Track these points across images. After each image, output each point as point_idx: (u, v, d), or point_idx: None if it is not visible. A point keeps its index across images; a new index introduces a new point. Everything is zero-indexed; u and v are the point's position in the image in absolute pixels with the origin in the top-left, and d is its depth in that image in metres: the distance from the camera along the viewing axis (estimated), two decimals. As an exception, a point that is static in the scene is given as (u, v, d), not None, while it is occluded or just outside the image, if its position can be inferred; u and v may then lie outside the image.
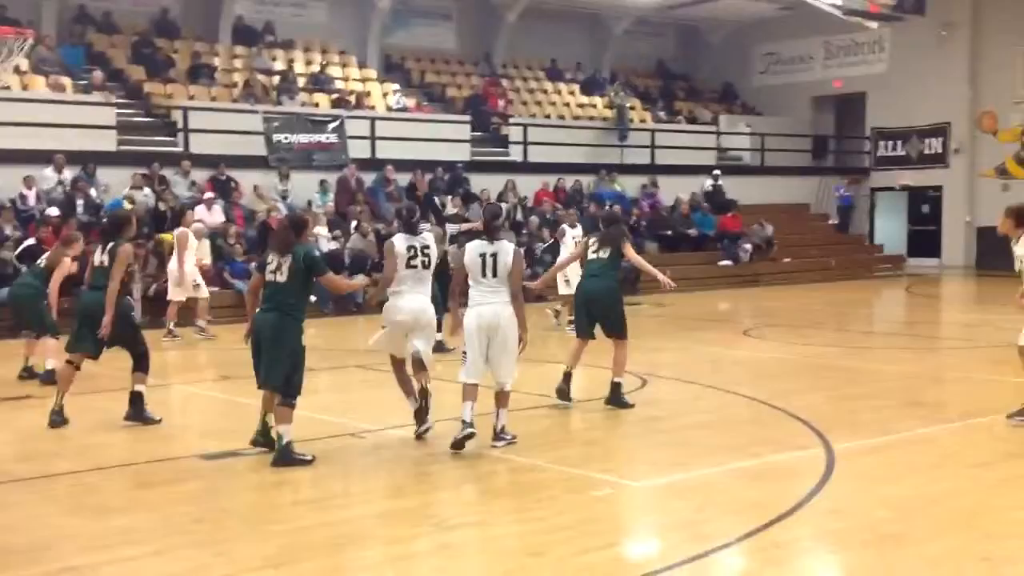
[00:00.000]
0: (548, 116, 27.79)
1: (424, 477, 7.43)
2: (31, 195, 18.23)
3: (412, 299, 8.30)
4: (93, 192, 18.96)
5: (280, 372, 7.58)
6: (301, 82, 24.52)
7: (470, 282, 8.14)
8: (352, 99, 24.11)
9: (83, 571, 5.47)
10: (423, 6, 28.75)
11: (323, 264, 8.00)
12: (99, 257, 9.14)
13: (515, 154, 25.50)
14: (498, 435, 8.13)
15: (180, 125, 21.30)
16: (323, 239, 19.99)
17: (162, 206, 19.14)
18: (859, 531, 6.12)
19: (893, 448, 7.70)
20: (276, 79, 24.03)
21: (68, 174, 18.96)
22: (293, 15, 26.96)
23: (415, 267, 8.30)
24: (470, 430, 7.92)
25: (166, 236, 18.58)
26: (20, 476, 7.53)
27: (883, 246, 29.53)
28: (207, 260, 17.35)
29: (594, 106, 28.83)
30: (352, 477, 7.53)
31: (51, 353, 11.16)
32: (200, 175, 20.60)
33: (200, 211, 18.72)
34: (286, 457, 7.55)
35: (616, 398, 9.81)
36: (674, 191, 26.11)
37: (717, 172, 27.36)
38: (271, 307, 7.68)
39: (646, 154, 27.17)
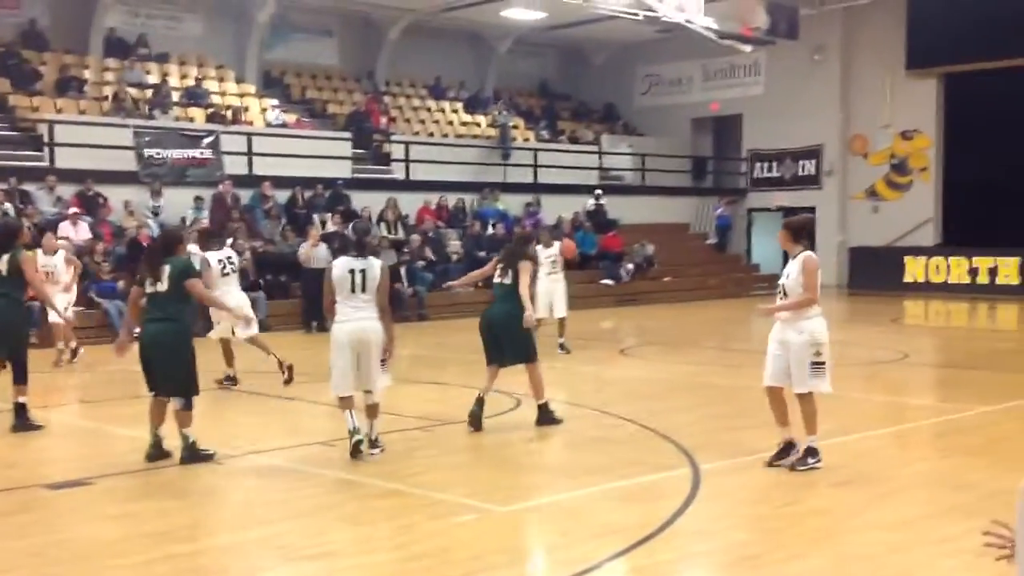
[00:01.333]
0: (431, 134, 27.65)
1: (278, 506, 7.14)
2: None
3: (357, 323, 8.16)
4: (-50, 207, 18.09)
5: (178, 379, 8.02)
6: (176, 96, 23.88)
7: (338, 298, 8.12)
8: (228, 114, 23.57)
9: None
10: (304, 22, 28.34)
11: (195, 269, 8.49)
12: None
13: (397, 172, 25.28)
14: (372, 443, 8.36)
15: (46, 139, 20.50)
16: (195, 257, 19.41)
17: (25, 222, 18.31)
18: (719, 553, 6.08)
19: (758, 468, 7.72)
20: (149, 93, 23.35)
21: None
22: (168, 28, 26.28)
23: (355, 292, 8.11)
24: (359, 437, 8.19)
25: (29, 253, 17.82)
26: None
27: (760, 265, 30.15)
28: (66, 278, 16.66)
29: (477, 124, 28.80)
30: (201, 507, 7.21)
31: None
32: (66, 190, 19.84)
33: (65, 228, 18.01)
34: (193, 454, 8.04)
35: (545, 417, 9.77)
36: (557, 210, 26.21)
37: (599, 191, 27.56)
38: (158, 317, 8.06)
39: (529, 173, 27.24)
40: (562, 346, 15.18)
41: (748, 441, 8.94)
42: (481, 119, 29.01)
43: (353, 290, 8.02)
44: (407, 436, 9.50)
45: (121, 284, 17.35)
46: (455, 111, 29.40)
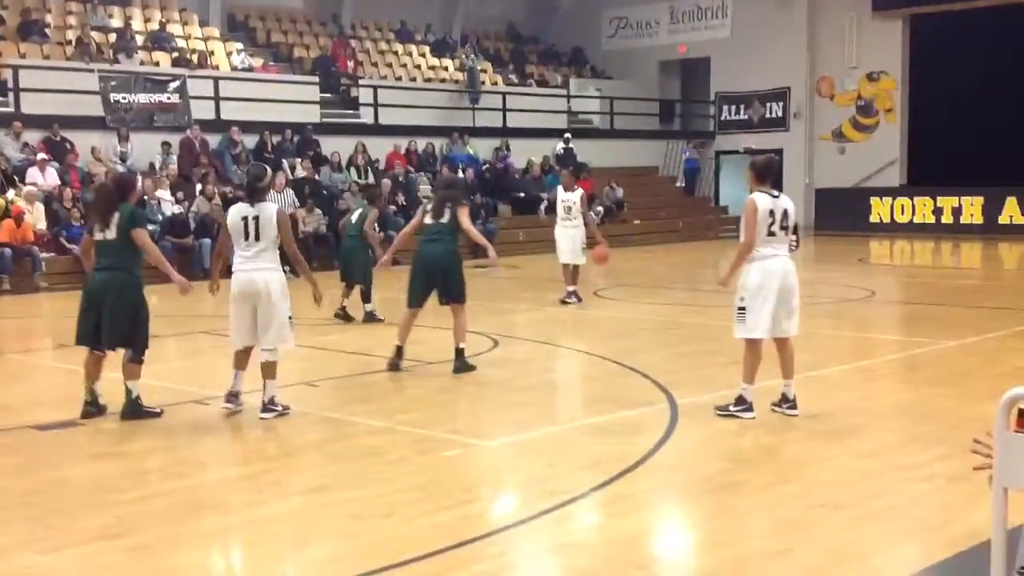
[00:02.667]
0: (399, 78, 27.49)
1: (267, 443, 7.29)
2: None
3: (247, 274, 7.73)
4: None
5: (123, 331, 7.64)
6: (140, 40, 23.57)
7: (234, 246, 7.78)
8: (194, 58, 23.32)
9: (-98, 550, 5.17)
10: (268, -37, 27.98)
11: (143, 221, 8.02)
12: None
13: (365, 116, 25.18)
14: (266, 406, 7.76)
15: (10, 84, 20.23)
16: (166, 203, 19.37)
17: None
18: (700, 482, 6.29)
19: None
20: (113, 37, 23.03)
21: None
22: (131, -30, 25.83)
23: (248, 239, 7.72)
24: (230, 406, 7.78)
25: (-3, 200, 17.75)
26: None
27: (728, 208, 30.38)
28: (41, 225, 16.62)
29: (445, 69, 28.65)
30: (194, 445, 7.32)
31: None
32: (33, 136, 19.64)
33: (33, 173, 17.87)
34: (136, 410, 7.70)
35: (462, 363, 9.67)
36: (526, 154, 26.25)
37: (568, 135, 27.58)
38: (105, 265, 7.70)
39: (498, 117, 27.20)
40: (574, 293, 14.65)
41: (722, 377, 9.14)
42: (449, 63, 28.85)
43: (247, 237, 7.62)
44: (387, 376, 9.65)
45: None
46: (422, 55, 29.20)
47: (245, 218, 7.65)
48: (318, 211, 20.65)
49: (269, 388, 7.80)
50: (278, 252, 7.84)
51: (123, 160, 20.24)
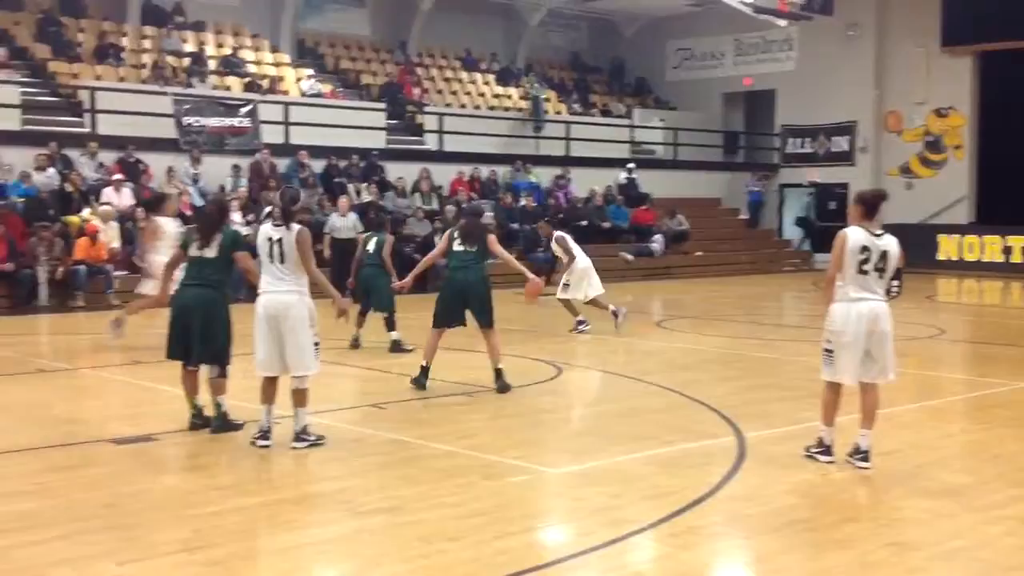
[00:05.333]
0: (463, 106, 27.75)
1: (338, 463, 7.36)
2: (-71, 174, 17.62)
3: (272, 296, 7.67)
4: (-4, 172, 18.40)
5: (215, 347, 7.95)
6: (212, 65, 24.07)
7: (261, 268, 7.76)
8: (265, 83, 23.75)
9: (-12, 556, 5.32)
10: (338, -8, 28.48)
11: (244, 244, 8.27)
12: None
13: (430, 143, 25.44)
14: (298, 436, 7.67)
15: (87, 105, 20.76)
16: (236, 224, 19.68)
17: (68, 187, 18.66)
18: (771, 516, 6.24)
19: (801, 437, 7.86)
20: (186, 61, 23.54)
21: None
22: (204, -3, 26.46)
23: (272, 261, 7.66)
24: (263, 442, 7.61)
25: (73, 219, 18.18)
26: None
27: (791, 241, 30.18)
28: (115, 243, 16.99)
29: (509, 97, 28.88)
30: (266, 463, 7.43)
31: None
32: (108, 157, 20.11)
33: (108, 193, 18.29)
34: (225, 424, 8.01)
35: (503, 384, 9.92)
36: (588, 183, 26.31)
37: (631, 165, 27.64)
38: (199, 282, 7.97)
39: (561, 146, 27.34)
40: (616, 313, 14.83)
41: (790, 412, 9.10)
42: (513, 91, 29.08)
43: (271, 259, 7.59)
44: (452, 401, 9.73)
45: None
46: (487, 83, 29.47)
47: (270, 239, 7.63)
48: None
49: (301, 417, 7.70)
50: (305, 276, 7.76)
51: (195, 182, 20.65)
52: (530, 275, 11.21)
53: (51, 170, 18.97)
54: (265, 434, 7.68)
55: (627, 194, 26.97)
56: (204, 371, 8.10)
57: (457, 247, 10.06)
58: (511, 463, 7.34)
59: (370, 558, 5.48)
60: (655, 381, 10.71)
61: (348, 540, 5.75)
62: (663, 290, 22.47)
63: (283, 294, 7.56)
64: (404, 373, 10.69)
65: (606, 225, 25.52)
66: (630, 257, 24.89)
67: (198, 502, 6.34)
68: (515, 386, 10.25)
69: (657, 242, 25.59)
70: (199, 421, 8.10)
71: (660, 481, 6.96)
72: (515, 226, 23.83)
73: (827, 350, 7.33)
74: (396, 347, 12.69)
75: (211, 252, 7.94)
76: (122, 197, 18.77)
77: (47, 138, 19.55)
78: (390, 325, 12.88)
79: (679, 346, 13.92)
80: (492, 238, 10.28)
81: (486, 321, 10.06)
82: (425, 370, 10.01)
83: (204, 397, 8.19)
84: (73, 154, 19.72)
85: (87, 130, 20.52)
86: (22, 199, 18.18)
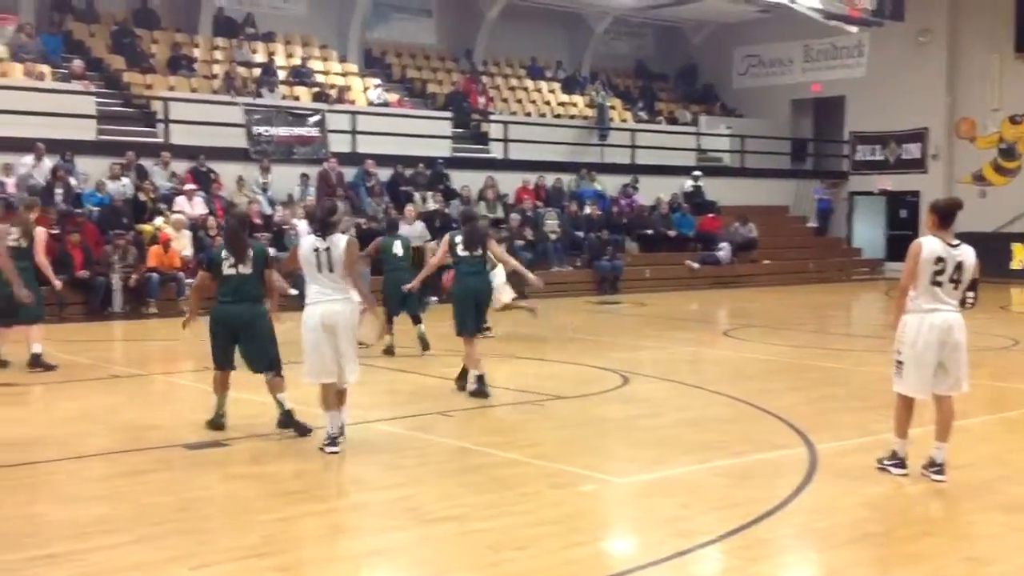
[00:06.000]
0: (528, 114, 27.79)
1: (405, 470, 7.39)
2: (10, 182, 18.04)
3: (327, 305, 7.80)
4: (73, 181, 18.81)
5: (266, 356, 8.28)
6: (282, 75, 24.39)
7: (306, 277, 7.85)
8: (333, 93, 24.02)
9: (65, 558, 5.42)
10: (403, 1, 28.67)
11: (272, 259, 8.65)
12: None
13: (495, 151, 25.51)
14: (334, 439, 7.79)
15: (160, 116, 21.16)
16: (303, 233, 19.90)
17: (142, 196, 19.03)
18: (843, 529, 6.14)
19: (873, 449, 7.72)
20: (256, 72, 23.90)
21: (48, 162, 18.79)
22: (273, 8, 26.79)
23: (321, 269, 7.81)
24: (331, 449, 7.69)
25: (146, 227, 18.54)
26: (1, 464, 7.46)
27: (861, 250, 29.73)
28: (187, 251, 17.27)
29: (575, 105, 28.86)
30: (332, 470, 7.50)
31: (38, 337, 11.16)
32: (180, 166, 20.47)
33: (180, 202, 18.61)
34: (290, 420, 8.24)
35: (482, 389, 10.02)
36: (654, 191, 26.18)
37: (697, 173, 27.45)
38: (239, 298, 8.23)
39: (626, 153, 27.25)
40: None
41: (862, 423, 8.95)
42: (578, 99, 29.06)
43: (319, 269, 7.73)
44: (517, 409, 9.74)
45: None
46: (552, 91, 29.48)
47: (317, 250, 7.74)
48: (448, 244, 20.92)
49: (343, 416, 7.95)
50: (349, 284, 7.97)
51: (264, 191, 20.94)
52: (530, 276, 11.48)
53: (125, 179, 19.36)
54: (334, 440, 7.75)
55: (693, 202, 26.79)
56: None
57: (462, 252, 10.27)
58: (578, 472, 7.31)
59: (438, 566, 5.49)
60: (723, 391, 10.60)
61: (415, 548, 5.77)
62: (730, 299, 22.28)
63: (336, 303, 7.73)
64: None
65: (672, 233, 25.37)
66: (696, 265, 24.73)
67: (267, 508, 6.41)
68: (580, 395, 10.26)
69: (724, 250, 25.37)
70: (222, 421, 8.42)
71: (729, 492, 6.88)
72: (580, 234, 23.79)
73: (899, 361, 7.19)
74: (424, 344, 12.86)
75: (247, 268, 8.19)
76: (194, 206, 19.08)
77: (122, 148, 19.95)
78: (416, 319, 13.06)
79: (747, 355, 13.77)
80: (492, 241, 10.64)
81: (482, 327, 10.62)
82: (479, 378, 10.04)
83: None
84: (147, 163, 20.10)
85: (160, 140, 20.90)
86: (97, 208, 18.58)
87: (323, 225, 7.80)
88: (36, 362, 11.25)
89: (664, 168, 27.24)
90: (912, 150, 29.44)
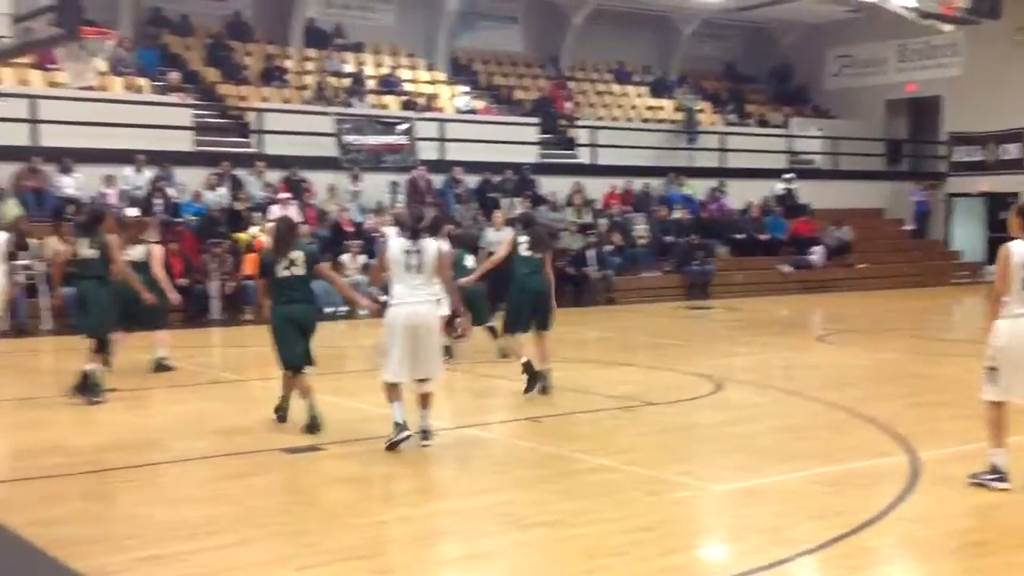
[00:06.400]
0: (616, 118, 27.71)
1: (498, 476, 7.43)
2: (112, 194, 18.59)
3: (413, 306, 7.96)
4: (171, 191, 19.30)
5: (309, 353, 8.73)
6: (371, 84, 24.72)
7: (394, 278, 7.99)
8: (422, 101, 24.25)
9: (169, 559, 5.55)
10: (490, 9, 28.82)
11: (320, 256, 9.12)
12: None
13: (583, 156, 25.48)
14: (426, 434, 8.06)
15: (254, 126, 21.60)
16: (391, 240, 20.14)
17: (237, 206, 19.43)
18: (946, 539, 6.00)
19: (977, 457, 7.51)
20: (346, 81, 24.25)
21: (148, 173, 19.32)
22: (362, 18, 27.15)
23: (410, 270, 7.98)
24: (407, 432, 7.90)
25: (242, 235, 18.92)
26: (108, 466, 7.69)
27: (961, 253, 28.98)
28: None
29: (662, 108, 28.70)
30: (427, 475, 7.58)
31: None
32: (273, 176, 20.86)
33: (274, 211, 18.95)
34: (320, 417, 8.59)
35: (546, 384, 10.37)
36: (744, 194, 25.89)
37: (789, 175, 27.07)
38: (299, 298, 8.65)
39: (715, 157, 27.00)
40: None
41: (965, 431, 8.69)
42: (666, 103, 28.89)
43: (408, 269, 7.87)
44: (609, 415, 9.70)
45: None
46: (639, 95, 29.35)
47: (407, 251, 7.91)
48: (536, 249, 20.96)
49: (428, 417, 8.11)
50: (437, 285, 8.23)
51: (354, 199, 21.22)
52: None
53: (222, 189, 19.81)
54: (405, 424, 7.91)
55: (785, 205, 26.43)
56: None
57: (524, 252, 10.47)
58: (672, 479, 7.26)
59: (535, 571, 5.50)
60: (818, 397, 10.43)
61: (511, 553, 5.79)
62: (824, 303, 21.90)
63: (421, 304, 7.89)
64: (559, 387, 10.73)
65: (764, 237, 25.06)
66: (788, 269, 24.39)
67: (366, 511, 6.50)
68: (672, 401, 10.20)
69: (817, 254, 24.98)
70: (283, 415, 8.89)
71: (828, 501, 6.76)
72: (669, 239, 23.63)
73: (991, 368, 7.01)
74: (503, 355, 12.72)
75: (300, 270, 8.57)
76: (289, 214, 19.40)
77: (218, 158, 20.43)
78: (493, 334, 13.02)
79: (843, 361, 13.52)
80: (550, 253, 10.85)
81: (549, 325, 10.64)
82: (533, 372, 10.34)
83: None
84: (241, 173, 20.53)
85: (254, 150, 21.34)
86: (195, 217, 19.04)
87: (413, 231, 7.98)
88: (160, 366, 11.72)
89: (754, 171, 26.92)
90: (1011, 150, 28.58)
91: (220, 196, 19.70)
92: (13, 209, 17.52)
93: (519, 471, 7.59)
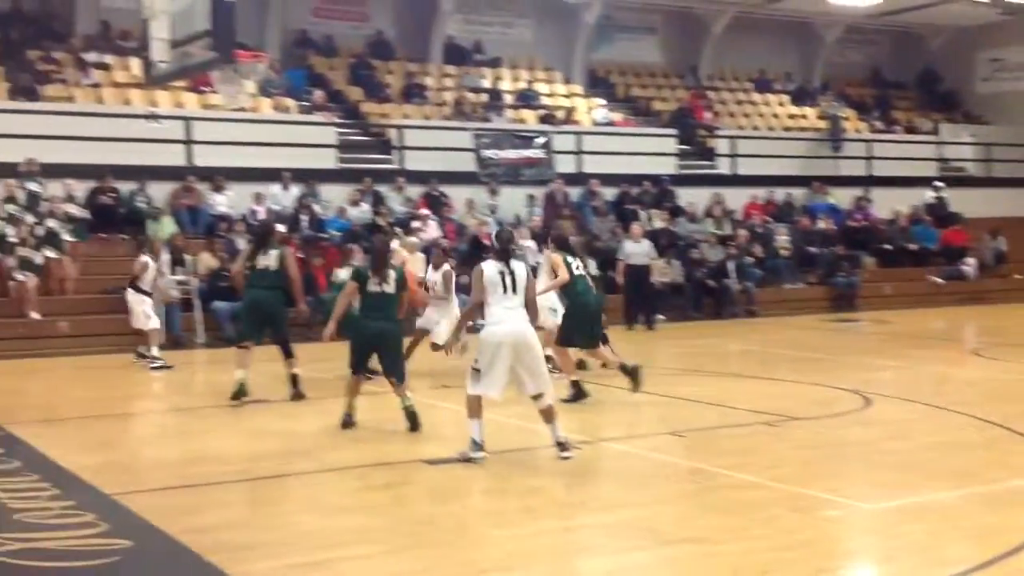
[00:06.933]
0: (756, 128, 27.28)
1: (640, 490, 7.36)
2: (261, 211, 19.24)
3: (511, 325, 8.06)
4: (317, 208, 19.84)
5: (400, 368, 9.38)
6: (508, 99, 24.94)
7: (491, 299, 8.04)
8: (560, 114, 24.34)
9: (323, 566, 5.68)
10: (628, 21, 28.74)
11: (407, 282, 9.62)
12: None
13: (722, 167, 25.16)
14: (564, 446, 8.10)
15: (395, 143, 22.04)
16: (530, 253, 20.24)
17: (379, 221, 19.84)
18: (1118, 564, 5.68)
19: None
20: (484, 97, 24.53)
21: (294, 190, 19.93)
22: (501, 34, 27.42)
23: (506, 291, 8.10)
24: (484, 453, 8.01)
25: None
26: (261, 475, 7.95)
27: None
28: (421, 273, 17.80)
29: (805, 117, 28.13)
30: (569, 487, 7.56)
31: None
32: (413, 191, 21.23)
33: (416, 225, 19.28)
34: (417, 416, 9.22)
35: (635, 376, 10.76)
36: (891, 203, 25.14)
37: (940, 184, 26.16)
38: (386, 315, 9.21)
39: (861, 165, 26.30)
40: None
41: None
42: (809, 111, 28.29)
43: (505, 291, 8.00)
44: (752, 430, 9.51)
45: (464, 279, 18.32)
46: (781, 104, 28.83)
47: (502, 273, 8.04)
48: (676, 262, 20.79)
49: (558, 429, 8.14)
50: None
51: (492, 213, 21.42)
52: None
53: (364, 205, 20.26)
54: (482, 444, 8.05)
55: (935, 214, 25.53)
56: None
57: (578, 271, 10.86)
58: (820, 496, 7.07)
59: (679, 588, 5.43)
60: (974, 413, 10.01)
61: (656, 568, 5.73)
62: (978, 315, 21.05)
63: (523, 323, 8.04)
64: (698, 400, 10.60)
65: (913, 247, 24.25)
66: (939, 280, 23.54)
67: (508, 523, 6.52)
68: (818, 416, 9.95)
69: (970, 264, 24.04)
70: (350, 420, 9.38)
71: (985, 520, 6.49)
72: (813, 250, 23.09)
73: None
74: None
75: (390, 288, 9.14)
76: (428, 229, 19.72)
77: (360, 175, 20.91)
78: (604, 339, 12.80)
79: (1000, 376, 12.96)
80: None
81: (603, 338, 11.27)
82: (577, 386, 10.76)
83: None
84: (383, 189, 20.97)
85: (395, 166, 21.78)
86: (339, 232, 19.52)
87: (503, 253, 8.15)
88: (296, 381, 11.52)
89: (902, 179, 26.11)
90: None
91: (363, 212, 20.15)
92: (169, 227, 18.32)
93: (662, 486, 7.51)
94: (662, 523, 6.50)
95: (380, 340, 9.25)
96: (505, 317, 7.98)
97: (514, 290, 8.03)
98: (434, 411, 10.11)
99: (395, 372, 9.36)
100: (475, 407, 8.05)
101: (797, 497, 7.05)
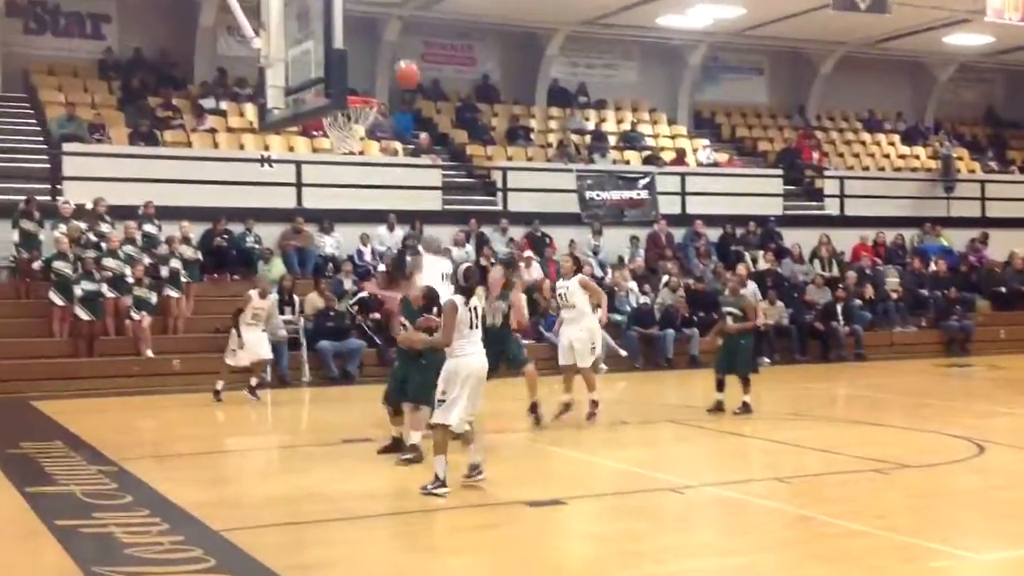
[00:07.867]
0: (866, 168, 26.84)
1: (744, 537, 7.25)
2: (367, 251, 19.60)
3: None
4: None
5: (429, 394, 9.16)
6: (612, 140, 25.01)
7: (457, 335, 8.40)
8: (666, 156, 24.29)
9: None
10: (734, 61, 28.63)
11: None
12: None
13: (830, 207, 24.76)
14: (479, 469, 8.57)
15: (499, 184, 22.26)
16: (632, 294, 20.20)
17: (483, 261, 19.99)
18: None
19: None
20: (588, 138, 24.64)
21: (399, 232, 20.26)
22: (605, 76, 27.57)
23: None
24: (447, 489, 8.26)
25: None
26: (365, 513, 8.05)
27: None
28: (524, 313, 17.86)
29: (916, 157, 27.59)
30: (668, 533, 7.48)
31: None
32: (516, 232, 21.38)
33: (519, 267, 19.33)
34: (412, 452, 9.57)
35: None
36: (1008, 245, 24.40)
37: (1059, 225, 25.29)
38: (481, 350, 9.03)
39: (975, 206, 25.63)
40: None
41: None
42: (920, 151, 27.72)
43: (472, 326, 8.46)
44: (860, 477, 9.26)
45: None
46: (891, 143, 28.32)
47: (471, 308, 8.52)
48: (780, 304, 20.48)
49: (477, 453, 8.75)
50: None
51: (595, 254, 21.43)
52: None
53: (468, 246, 20.46)
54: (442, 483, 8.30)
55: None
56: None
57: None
58: (930, 546, 6.86)
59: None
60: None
61: (758, 617, 5.62)
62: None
63: (484, 356, 8.57)
64: (802, 445, 10.39)
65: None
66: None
67: (602, 570, 6.47)
68: (929, 464, 9.67)
69: (1092, 309, 23.11)
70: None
71: (1108, 576, 6.22)
72: (924, 292, 22.52)
73: None
74: (744, 408, 12.43)
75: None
76: (531, 271, 19.81)
77: (465, 216, 21.16)
78: (745, 384, 12.56)
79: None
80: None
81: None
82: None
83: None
84: (486, 230, 21.16)
85: (499, 208, 21.98)
86: (452, 274, 19.71)
87: (468, 290, 8.53)
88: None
89: (1019, 221, 25.32)
90: None
91: (467, 253, 20.34)
92: (278, 268, 18.77)
93: (767, 533, 7.38)
94: (768, 571, 6.39)
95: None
96: (472, 350, 8.49)
97: (478, 325, 8.56)
98: (523, 449, 10.10)
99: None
100: (442, 443, 8.35)
101: (905, 547, 6.86)
